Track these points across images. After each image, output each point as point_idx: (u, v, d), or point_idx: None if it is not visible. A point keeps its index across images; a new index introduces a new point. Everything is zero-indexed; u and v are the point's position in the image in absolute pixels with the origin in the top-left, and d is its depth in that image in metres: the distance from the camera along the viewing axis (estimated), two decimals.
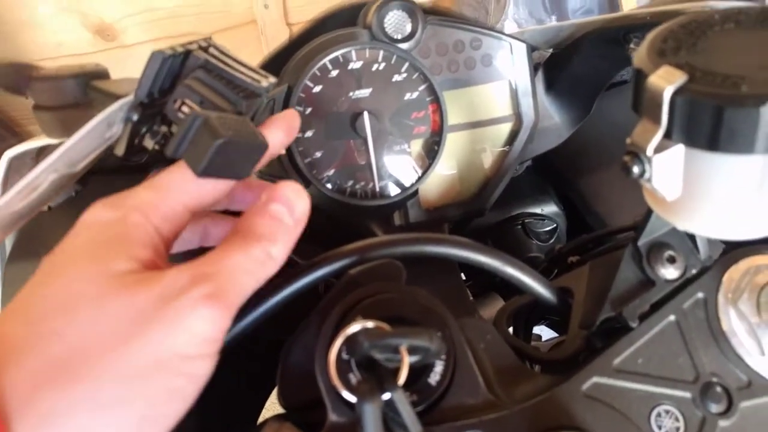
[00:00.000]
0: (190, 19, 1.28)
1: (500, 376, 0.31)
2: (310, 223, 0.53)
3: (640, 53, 0.25)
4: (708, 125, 0.22)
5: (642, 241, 0.32)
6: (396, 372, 0.26)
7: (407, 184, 0.47)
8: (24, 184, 0.26)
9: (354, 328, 0.26)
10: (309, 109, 0.45)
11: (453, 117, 0.48)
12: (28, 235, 0.52)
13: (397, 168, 0.47)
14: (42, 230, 0.53)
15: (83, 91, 0.32)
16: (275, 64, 0.46)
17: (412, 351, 0.25)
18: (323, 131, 0.45)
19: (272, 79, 0.33)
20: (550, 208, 0.62)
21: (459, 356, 0.29)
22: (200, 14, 1.27)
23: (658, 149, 0.24)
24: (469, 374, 0.29)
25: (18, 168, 0.55)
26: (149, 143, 0.33)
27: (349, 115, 0.45)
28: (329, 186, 0.46)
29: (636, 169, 0.25)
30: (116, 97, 0.30)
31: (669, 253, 0.32)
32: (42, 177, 0.27)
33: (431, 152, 0.48)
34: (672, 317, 0.31)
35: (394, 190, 0.47)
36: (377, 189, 0.47)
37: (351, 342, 0.26)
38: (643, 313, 0.31)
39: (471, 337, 0.31)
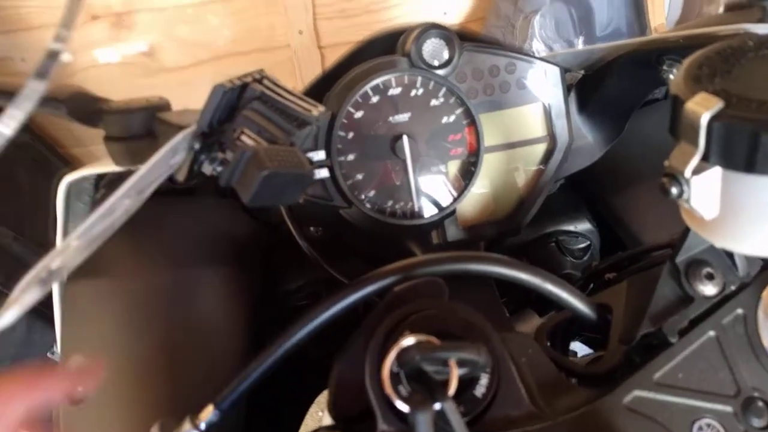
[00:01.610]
0: (226, 42, 1.33)
1: (542, 388, 0.32)
2: (350, 241, 0.55)
3: (676, 80, 0.26)
4: (745, 149, 0.23)
5: (680, 258, 0.33)
6: (445, 384, 0.27)
7: (444, 204, 0.49)
8: (104, 210, 0.29)
9: (407, 341, 0.28)
10: (351, 134, 0.47)
11: (488, 138, 0.49)
12: None
13: (435, 188, 0.49)
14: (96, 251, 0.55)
15: (150, 122, 0.35)
16: (317, 90, 0.48)
17: (460, 364, 0.27)
18: (364, 154, 0.47)
19: (321, 109, 0.35)
20: (583, 226, 0.63)
21: (502, 369, 0.31)
22: (236, 39, 1.32)
23: (696, 171, 0.25)
24: (513, 387, 0.31)
25: (77, 193, 0.58)
26: (207, 169, 0.35)
27: (388, 138, 0.47)
28: (369, 206, 0.48)
29: (674, 190, 0.26)
30: (180, 128, 0.33)
31: (707, 270, 0.33)
32: (119, 203, 0.29)
33: (468, 173, 0.49)
34: (711, 333, 0.32)
35: (431, 210, 0.49)
36: (416, 209, 0.49)
37: (403, 355, 0.28)
38: (683, 328, 0.32)
39: (513, 350, 0.32)
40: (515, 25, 1.29)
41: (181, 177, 0.35)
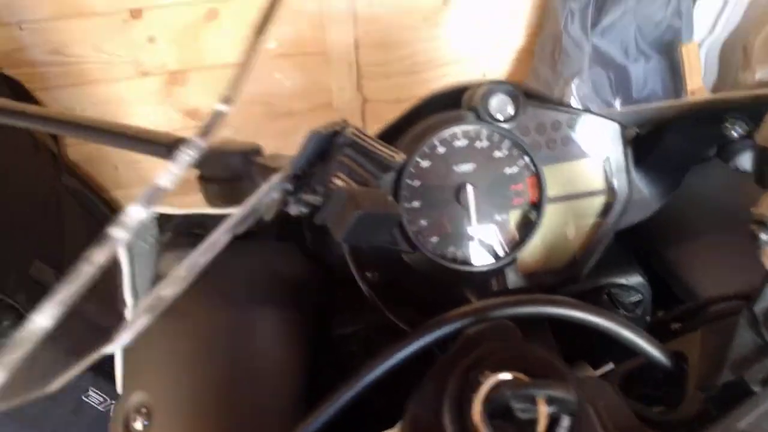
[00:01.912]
0: (277, 99, 1.39)
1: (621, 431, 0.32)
2: (408, 287, 0.56)
3: (763, 134, 0.28)
4: None
5: (758, 307, 0.34)
6: (532, 423, 0.28)
7: (505, 252, 0.50)
8: (207, 245, 0.31)
9: (501, 376, 0.28)
10: (417, 182, 0.49)
11: (550, 189, 0.51)
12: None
13: (496, 237, 0.50)
14: None
15: (245, 165, 0.37)
16: (386, 140, 0.50)
17: (549, 402, 0.27)
18: (429, 202, 0.49)
19: (402, 155, 0.37)
20: (635, 279, 0.63)
21: (582, 412, 0.31)
22: (290, 95, 1.38)
23: None
24: (591, 428, 0.31)
25: (141, 233, 0.60)
26: (293, 210, 0.37)
27: (453, 187, 0.49)
28: (432, 252, 0.49)
29: (764, 236, 0.27)
30: (275, 170, 0.35)
31: None
32: (222, 238, 0.31)
33: (529, 223, 0.50)
34: None
35: (492, 258, 0.50)
36: (477, 256, 0.50)
37: (494, 391, 0.28)
38: (765, 377, 0.32)
39: (590, 394, 0.33)
40: (553, 88, 1.33)
41: (268, 216, 0.37)
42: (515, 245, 0.50)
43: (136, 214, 0.25)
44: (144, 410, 0.49)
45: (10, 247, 1.02)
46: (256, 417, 0.49)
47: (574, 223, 0.53)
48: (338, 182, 0.34)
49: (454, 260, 0.50)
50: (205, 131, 0.27)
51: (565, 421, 0.30)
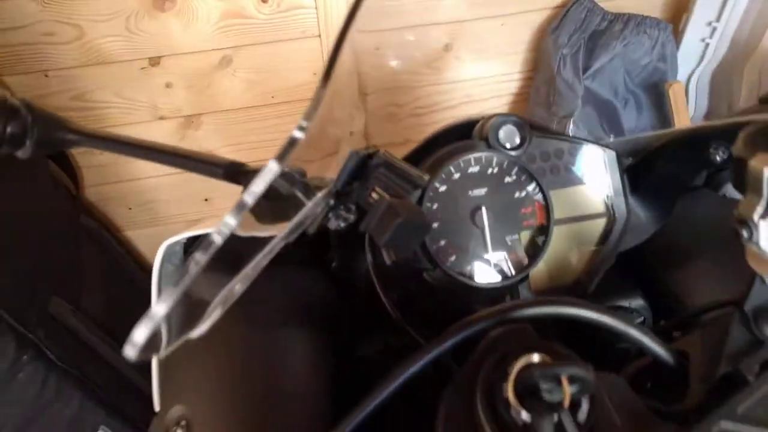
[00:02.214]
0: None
1: (633, 422, 0.35)
2: (426, 305, 0.60)
3: (737, 146, 0.33)
4: None
5: (748, 306, 0.38)
6: (557, 404, 0.32)
7: (519, 269, 0.54)
8: (265, 252, 0.35)
9: (532, 357, 0.32)
10: (435, 205, 0.53)
11: (556, 212, 0.55)
12: None
13: (510, 255, 0.55)
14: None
15: (293, 185, 0.42)
16: None
17: (571, 381, 0.31)
18: (446, 223, 0.54)
19: (427, 176, 0.42)
20: (637, 302, 0.67)
21: (598, 401, 0.35)
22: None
23: (763, 216, 0.31)
24: (609, 416, 0.34)
25: (168, 255, 0.64)
26: (333, 224, 0.42)
27: (468, 209, 0.54)
28: (451, 269, 0.54)
29: (745, 234, 0.32)
30: (318, 188, 0.40)
31: None
32: (276, 246, 0.35)
33: (538, 243, 0.55)
34: None
35: (507, 274, 0.54)
36: (492, 273, 0.54)
37: (523, 372, 0.32)
38: (758, 368, 0.36)
39: (605, 386, 0.36)
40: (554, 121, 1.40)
41: (312, 230, 0.41)
42: (526, 264, 0.55)
43: (231, 222, 0.29)
44: (183, 423, 0.52)
45: (30, 284, 1.05)
46: (286, 428, 0.52)
47: (577, 245, 0.57)
48: (376, 196, 0.38)
49: (471, 277, 0.54)
50: (282, 156, 0.31)
51: (584, 406, 0.34)
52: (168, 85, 1.30)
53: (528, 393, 0.32)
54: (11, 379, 0.99)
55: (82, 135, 0.39)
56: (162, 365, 0.59)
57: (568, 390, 0.31)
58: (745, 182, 0.32)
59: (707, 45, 1.40)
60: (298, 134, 0.32)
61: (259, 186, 0.31)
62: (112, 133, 0.40)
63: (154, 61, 1.26)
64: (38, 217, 1.16)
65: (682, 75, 1.45)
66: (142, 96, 1.30)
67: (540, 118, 1.41)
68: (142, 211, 1.51)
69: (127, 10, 1.18)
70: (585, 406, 0.34)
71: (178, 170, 1.33)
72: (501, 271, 0.54)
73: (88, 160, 1.37)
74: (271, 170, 0.32)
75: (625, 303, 0.68)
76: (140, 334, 0.25)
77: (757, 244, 0.31)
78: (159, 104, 1.32)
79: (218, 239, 0.29)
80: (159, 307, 0.26)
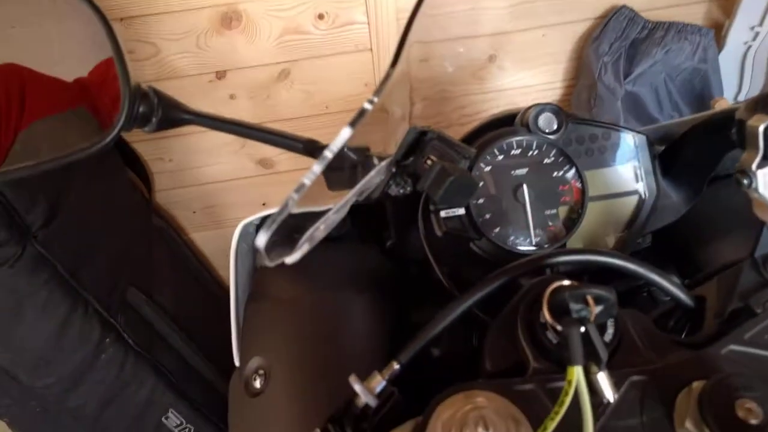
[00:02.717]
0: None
1: (654, 347, 0.41)
2: (474, 276, 0.67)
3: (739, 111, 0.39)
4: None
5: (758, 254, 0.43)
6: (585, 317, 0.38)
7: (557, 240, 0.61)
8: (341, 204, 0.43)
9: (562, 281, 0.39)
10: (482, 183, 0.60)
11: (590, 190, 0.62)
12: (262, 278, 0.70)
13: (549, 227, 0.61)
14: (270, 280, 0.70)
15: (360, 157, 0.50)
16: None
17: (596, 301, 0.38)
18: (491, 198, 0.61)
19: (474, 150, 0.50)
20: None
21: (623, 327, 0.41)
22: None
23: (760, 166, 0.37)
24: (632, 341, 0.41)
25: (243, 235, 0.72)
26: (393, 191, 0.49)
27: (511, 186, 0.61)
28: (496, 239, 0.60)
29: (746, 182, 0.38)
30: (382, 158, 0.48)
31: None
32: (351, 199, 0.43)
33: (574, 217, 0.61)
34: None
35: (546, 245, 0.61)
36: (533, 243, 0.61)
37: (555, 293, 0.39)
38: (765, 303, 0.41)
39: (629, 319, 0.42)
40: None
41: (375, 195, 0.49)
42: (564, 235, 0.61)
43: (317, 169, 0.37)
44: (261, 372, 0.60)
45: (112, 275, 1.16)
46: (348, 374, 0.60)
47: (611, 220, 0.63)
48: (431, 162, 0.46)
49: (514, 246, 0.61)
50: (354, 122, 0.39)
51: (610, 329, 0.40)
52: (232, 97, 1.42)
53: (561, 313, 0.39)
54: (96, 360, 1.10)
55: (194, 115, 0.48)
56: (245, 323, 0.68)
57: (594, 308, 0.38)
58: (745, 139, 0.38)
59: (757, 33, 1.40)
60: (368, 106, 0.40)
61: (336, 144, 0.39)
62: (216, 114, 0.49)
63: (220, 75, 1.38)
64: (118, 217, 1.28)
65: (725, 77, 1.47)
66: (209, 106, 1.41)
67: None
68: (205, 215, 1.63)
69: (198, 29, 1.30)
70: (611, 330, 0.40)
71: (238, 176, 1.45)
72: (540, 242, 0.61)
73: (160, 167, 1.50)
74: (345, 133, 0.40)
75: None
76: (261, 238, 0.33)
77: (756, 190, 0.37)
78: (223, 114, 1.44)
79: (307, 182, 0.37)
80: (270, 227, 0.34)
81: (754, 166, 0.36)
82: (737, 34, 1.44)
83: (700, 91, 1.46)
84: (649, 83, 1.40)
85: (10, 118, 0.50)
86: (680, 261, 0.74)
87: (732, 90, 1.52)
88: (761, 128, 0.36)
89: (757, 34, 1.42)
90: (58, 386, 1.05)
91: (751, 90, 1.52)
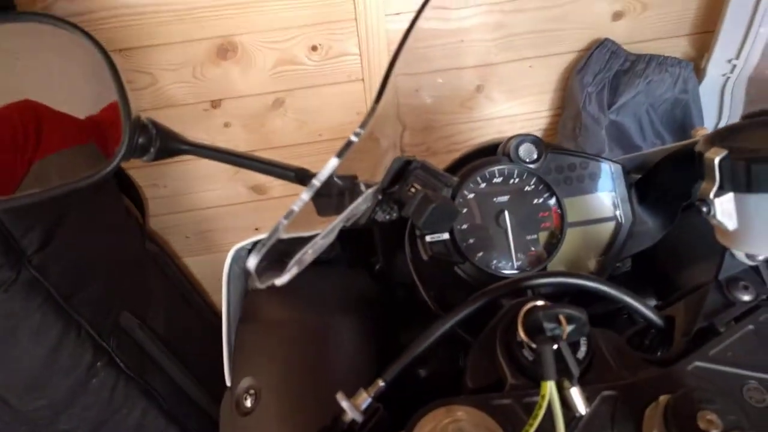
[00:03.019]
0: None
1: (625, 364, 0.44)
2: (458, 298, 0.69)
3: (698, 144, 0.42)
4: (743, 176, 0.38)
5: (721, 276, 0.46)
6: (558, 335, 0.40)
7: (538, 263, 0.63)
8: (327, 230, 0.45)
9: (535, 302, 0.42)
10: (465, 209, 0.63)
11: (569, 216, 0.65)
12: (253, 301, 0.72)
13: (529, 251, 0.64)
14: (260, 303, 0.72)
15: (347, 184, 0.53)
16: None
17: (569, 320, 0.40)
18: (474, 224, 0.63)
19: (456, 179, 0.53)
20: (650, 302, 0.75)
21: (595, 346, 0.43)
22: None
23: (716, 195, 0.40)
24: (603, 359, 0.43)
25: (236, 258, 0.75)
26: (380, 216, 0.52)
27: (493, 213, 0.63)
28: (479, 263, 0.63)
29: (704, 209, 0.41)
30: (368, 186, 0.50)
31: (743, 283, 0.46)
32: (338, 225, 0.46)
33: (554, 242, 0.64)
34: (751, 326, 0.44)
35: (527, 268, 0.63)
36: (515, 267, 0.63)
37: (529, 313, 0.41)
38: (728, 322, 0.44)
39: (601, 339, 0.45)
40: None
41: (362, 221, 0.52)
42: (544, 259, 0.64)
43: (305, 197, 0.39)
44: (252, 391, 0.62)
45: (105, 299, 1.18)
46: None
47: (590, 245, 0.66)
48: (414, 189, 0.49)
49: (496, 270, 0.63)
50: (340, 153, 0.41)
51: (583, 347, 0.43)
52: (227, 125, 1.46)
53: (535, 332, 0.41)
54: (87, 383, 1.11)
55: (190, 145, 0.51)
56: (237, 344, 0.69)
57: (566, 326, 0.40)
58: (703, 170, 0.41)
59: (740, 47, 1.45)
60: (354, 138, 0.43)
61: (323, 174, 0.41)
62: (211, 144, 0.52)
63: (216, 104, 1.42)
64: (113, 242, 1.30)
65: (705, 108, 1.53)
66: (204, 134, 1.45)
67: None
68: (198, 240, 1.65)
69: (194, 60, 1.34)
70: (583, 348, 0.42)
71: (232, 202, 1.48)
72: (522, 266, 0.64)
73: (154, 192, 1.52)
74: (332, 163, 0.42)
75: None
76: (252, 261, 0.35)
77: (715, 217, 0.40)
78: (218, 141, 1.47)
79: (296, 208, 0.39)
80: (259, 250, 0.36)
81: (711, 195, 0.39)
82: (716, 67, 1.50)
83: (682, 121, 1.51)
84: (632, 113, 1.45)
85: (26, 150, 0.54)
86: (659, 284, 0.76)
87: (712, 119, 1.57)
88: (716, 160, 0.39)
89: (734, 66, 1.48)
90: (48, 410, 1.06)
91: (730, 119, 1.57)
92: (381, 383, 0.47)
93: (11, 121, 0.55)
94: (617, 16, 1.45)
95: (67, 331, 1.02)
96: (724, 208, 0.40)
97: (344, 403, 0.44)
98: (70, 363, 1.04)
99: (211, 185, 1.56)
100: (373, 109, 0.42)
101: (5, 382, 0.99)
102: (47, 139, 0.54)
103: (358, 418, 0.44)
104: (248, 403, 0.62)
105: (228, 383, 0.68)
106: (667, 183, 0.66)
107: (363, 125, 0.42)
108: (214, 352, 0.72)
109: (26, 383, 1.01)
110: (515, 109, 1.59)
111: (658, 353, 0.49)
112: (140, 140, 0.48)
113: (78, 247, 1.10)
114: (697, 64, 1.51)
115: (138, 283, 1.34)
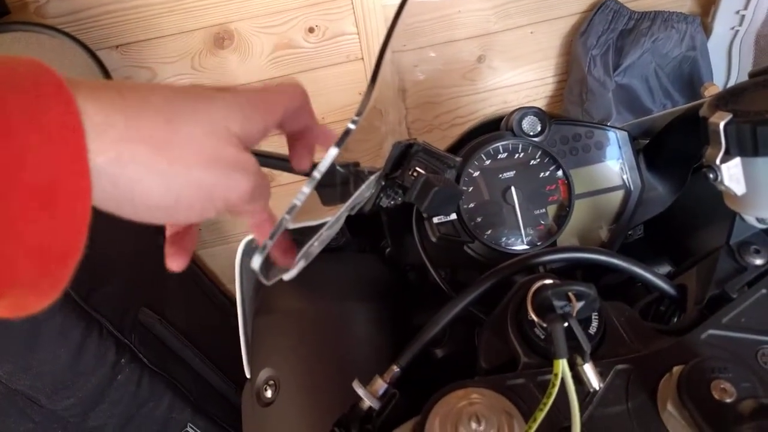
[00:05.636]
0: None
1: (638, 336, 0.44)
2: (469, 278, 0.69)
3: (702, 109, 0.41)
4: (749, 140, 0.37)
5: (733, 241, 0.46)
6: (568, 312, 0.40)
7: (548, 238, 0.63)
8: (333, 219, 0.45)
9: (544, 281, 0.41)
10: (471, 188, 0.63)
11: (576, 188, 0.64)
12: (268, 292, 0.72)
13: (538, 226, 0.63)
14: (276, 294, 0.72)
15: (350, 172, 0.52)
16: None
17: (578, 297, 0.40)
18: (482, 202, 0.63)
19: (459, 158, 0.52)
20: (664, 269, 0.74)
21: (607, 319, 0.43)
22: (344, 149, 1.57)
23: (723, 161, 0.39)
24: (616, 332, 0.43)
25: (248, 251, 0.75)
26: (384, 202, 0.52)
27: (500, 189, 0.63)
28: (488, 241, 0.63)
29: (711, 176, 0.40)
30: (371, 173, 0.50)
31: (754, 247, 0.45)
32: (343, 215, 0.46)
33: (563, 215, 0.64)
34: (764, 291, 0.43)
35: (537, 243, 0.63)
36: (524, 243, 0.63)
37: (539, 292, 0.41)
38: (741, 288, 0.43)
39: (613, 311, 0.45)
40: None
41: (367, 208, 0.52)
42: (554, 232, 0.63)
43: (306, 190, 0.39)
44: (272, 382, 0.63)
45: (124, 297, 1.19)
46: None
47: (600, 215, 0.66)
48: (416, 173, 0.49)
49: (506, 247, 0.63)
50: (340, 142, 0.41)
51: (595, 322, 0.42)
52: None
53: (545, 310, 0.41)
54: (112, 380, 1.13)
55: None
56: (254, 335, 0.70)
57: (576, 303, 0.40)
58: (708, 135, 0.40)
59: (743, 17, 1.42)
60: (352, 126, 0.42)
61: (324, 164, 0.41)
62: None
63: None
64: (128, 240, 1.31)
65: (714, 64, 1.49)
66: None
67: (574, 116, 1.48)
68: (212, 232, 1.66)
69: (192, 51, 1.34)
70: (595, 323, 0.42)
71: None
72: (531, 241, 0.63)
73: None
74: (332, 153, 0.42)
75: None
76: (256, 261, 0.35)
77: (722, 183, 0.39)
78: None
79: (298, 203, 0.39)
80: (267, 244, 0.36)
81: (718, 161, 0.39)
82: (723, 20, 1.45)
83: (691, 78, 1.47)
84: (639, 74, 1.42)
85: None
86: (673, 249, 0.76)
87: (722, 75, 1.53)
88: (721, 125, 0.38)
89: (743, 18, 1.44)
90: (78, 408, 1.08)
91: (740, 74, 1.53)
92: (396, 369, 0.47)
93: None
94: None
95: (90, 331, 1.04)
96: (732, 174, 0.39)
97: (361, 391, 0.45)
98: (94, 362, 1.06)
99: None
100: (369, 91, 0.42)
101: (33, 383, 1.02)
102: None
103: (375, 404, 0.44)
104: (269, 393, 0.62)
105: (248, 375, 0.69)
106: (675, 147, 0.65)
107: (360, 111, 0.41)
108: (234, 341, 0.73)
109: (54, 384, 1.03)
110: (519, 77, 1.57)
111: (675, 320, 0.49)
112: None
113: (94, 246, 1.11)
114: (704, 20, 1.47)
115: (155, 278, 1.36)
